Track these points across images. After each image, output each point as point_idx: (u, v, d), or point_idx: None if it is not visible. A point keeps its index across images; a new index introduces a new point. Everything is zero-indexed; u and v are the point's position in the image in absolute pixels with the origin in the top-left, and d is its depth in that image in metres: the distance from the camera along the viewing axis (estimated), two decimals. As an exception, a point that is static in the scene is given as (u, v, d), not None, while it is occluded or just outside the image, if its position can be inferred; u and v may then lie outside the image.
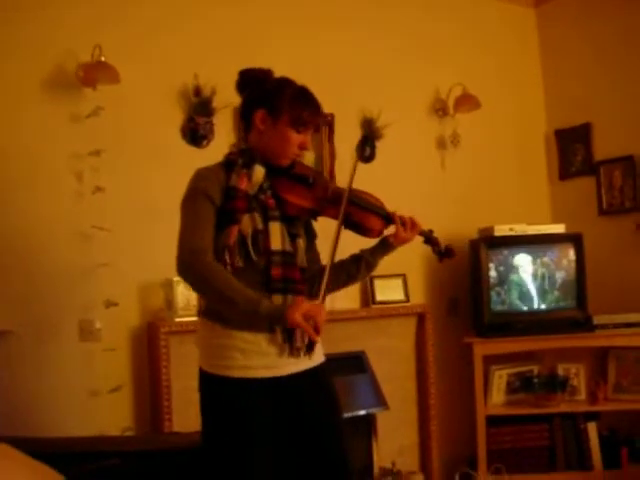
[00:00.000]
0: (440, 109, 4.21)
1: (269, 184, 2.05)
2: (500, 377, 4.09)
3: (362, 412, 3.50)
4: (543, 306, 4.00)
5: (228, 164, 2.03)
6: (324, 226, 2.19)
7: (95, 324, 3.08)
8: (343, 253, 2.16)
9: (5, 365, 2.89)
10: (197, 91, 3.38)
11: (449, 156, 4.22)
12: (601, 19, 4.27)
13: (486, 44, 4.41)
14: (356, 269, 2.20)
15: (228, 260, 1.93)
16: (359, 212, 2.14)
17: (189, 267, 1.90)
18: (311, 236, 2.21)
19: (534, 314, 3.99)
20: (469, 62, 4.29)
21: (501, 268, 3.97)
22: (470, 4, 4.39)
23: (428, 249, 2.30)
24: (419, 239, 2.24)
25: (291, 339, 1.97)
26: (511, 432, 3.95)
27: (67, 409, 2.99)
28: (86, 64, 3.07)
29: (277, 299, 1.96)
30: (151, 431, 3.16)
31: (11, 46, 2.99)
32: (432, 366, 3.92)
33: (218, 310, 1.97)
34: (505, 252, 3.98)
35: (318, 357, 2.10)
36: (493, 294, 3.95)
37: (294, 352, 1.99)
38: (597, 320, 3.91)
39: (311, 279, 2.13)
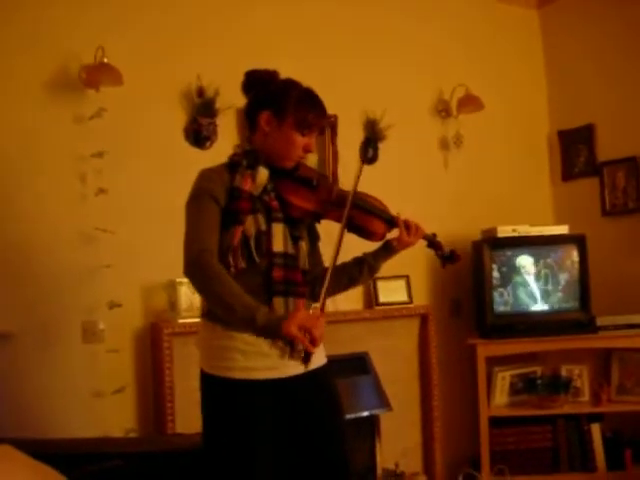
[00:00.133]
0: (443, 110, 4.21)
1: (273, 186, 2.05)
2: (503, 378, 4.09)
3: (365, 413, 3.50)
4: (546, 307, 3.99)
5: (232, 165, 2.03)
6: (327, 229, 2.19)
7: (98, 325, 3.09)
8: (346, 256, 2.16)
9: (9, 366, 2.90)
10: (200, 92, 3.38)
11: (452, 157, 4.22)
12: (604, 20, 4.27)
13: (489, 45, 4.41)
14: (358, 272, 2.20)
15: (232, 262, 1.93)
16: (362, 215, 2.13)
17: (198, 266, 1.88)
18: (314, 238, 2.20)
19: (537, 315, 3.99)
20: (472, 63, 4.29)
21: (504, 269, 3.97)
22: (473, 6, 4.39)
23: (431, 251, 2.30)
24: (422, 242, 2.24)
25: (292, 342, 1.96)
26: (514, 433, 3.95)
27: (70, 410, 2.99)
28: (89, 66, 3.07)
29: (278, 301, 1.96)
30: (154, 432, 3.16)
31: (14, 47, 3.00)
32: (435, 367, 3.92)
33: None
34: (508, 253, 3.98)
35: (320, 359, 2.09)
36: (496, 295, 3.94)
37: (295, 354, 1.98)
38: (600, 321, 3.91)
39: (313, 281, 2.12)
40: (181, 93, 3.38)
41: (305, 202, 2.06)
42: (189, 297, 3.11)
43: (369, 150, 3.81)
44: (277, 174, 2.06)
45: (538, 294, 3.99)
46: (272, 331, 1.85)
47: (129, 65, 3.12)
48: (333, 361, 2.18)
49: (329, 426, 2.07)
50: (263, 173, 2.03)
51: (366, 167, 2.12)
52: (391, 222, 2.18)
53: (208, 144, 3.41)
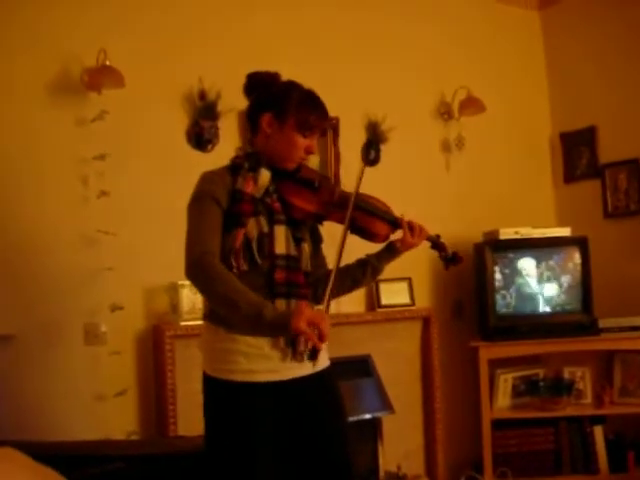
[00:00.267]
0: (445, 112, 4.21)
1: (275, 188, 2.04)
2: (505, 381, 4.09)
3: (367, 416, 3.50)
4: (548, 309, 3.99)
5: (234, 167, 2.03)
6: (330, 230, 2.19)
7: (100, 328, 3.08)
8: (349, 258, 2.15)
9: (11, 369, 2.89)
10: (202, 95, 3.38)
11: (454, 159, 4.21)
12: (606, 22, 4.27)
13: (490, 47, 4.41)
14: (362, 274, 2.20)
15: (233, 264, 1.93)
16: (365, 217, 2.13)
17: (200, 268, 1.88)
18: (317, 240, 2.20)
19: (539, 317, 3.99)
20: (473, 65, 4.29)
21: (506, 271, 3.97)
22: (474, 8, 4.39)
23: (433, 253, 2.29)
24: (426, 244, 2.24)
25: (293, 343, 1.96)
26: (517, 436, 3.95)
27: (72, 413, 2.99)
28: (91, 68, 3.07)
29: (280, 303, 1.96)
30: (156, 435, 3.16)
31: (16, 50, 2.99)
32: (437, 370, 3.92)
33: (222, 314, 1.96)
34: (510, 255, 3.98)
35: (323, 361, 2.08)
36: (498, 297, 3.94)
37: (297, 356, 1.97)
38: (603, 323, 3.90)
39: (315, 283, 2.12)
40: (183, 96, 3.38)
41: (307, 203, 2.06)
42: (191, 299, 3.12)
43: (371, 152, 3.83)
44: (279, 176, 2.06)
45: (540, 296, 3.99)
46: (280, 326, 1.83)
47: (131, 68, 3.12)
48: (335, 363, 2.17)
49: (332, 428, 2.06)
50: (265, 175, 2.02)
51: (368, 169, 2.12)
52: (394, 223, 2.17)
53: (210, 147, 3.41)
